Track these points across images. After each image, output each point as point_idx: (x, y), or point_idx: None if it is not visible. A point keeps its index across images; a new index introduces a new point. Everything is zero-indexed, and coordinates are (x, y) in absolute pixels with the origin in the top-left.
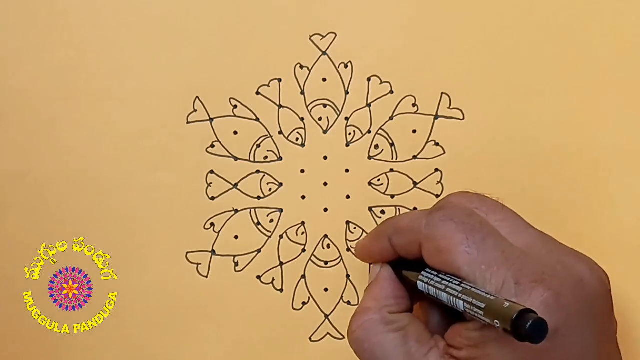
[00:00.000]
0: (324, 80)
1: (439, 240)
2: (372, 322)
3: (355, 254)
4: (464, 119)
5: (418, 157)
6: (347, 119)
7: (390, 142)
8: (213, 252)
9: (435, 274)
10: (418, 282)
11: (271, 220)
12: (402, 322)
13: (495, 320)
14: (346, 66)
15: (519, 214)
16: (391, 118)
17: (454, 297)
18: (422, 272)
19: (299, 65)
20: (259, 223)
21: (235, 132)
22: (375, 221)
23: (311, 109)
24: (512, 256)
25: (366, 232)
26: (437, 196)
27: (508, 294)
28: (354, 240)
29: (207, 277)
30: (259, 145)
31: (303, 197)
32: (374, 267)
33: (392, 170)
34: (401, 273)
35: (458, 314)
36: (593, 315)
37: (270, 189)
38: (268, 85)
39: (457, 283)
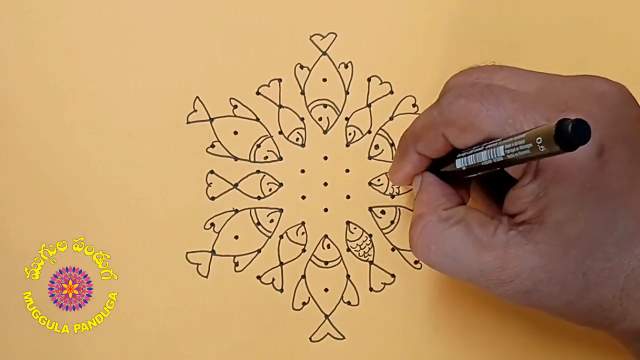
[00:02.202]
0: (324, 80)
1: (457, 120)
2: (430, 224)
3: (392, 182)
4: None
5: None
6: (347, 119)
7: (390, 142)
8: (213, 252)
9: (470, 149)
10: (456, 160)
11: (271, 220)
12: (459, 215)
13: (540, 145)
14: (346, 66)
15: (519, 68)
16: (391, 118)
17: (493, 148)
18: (458, 155)
19: (299, 65)
20: (259, 223)
21: (235, 132)
22: (376, 221)
23: (311, 109)
24: (531, 100)
25: (366, 232)
26: None
27: None
28: (354, 241)
29: (207, 277)
30: (259, 145)
31: (303, 197)
32: (415, 181)
33: None
34: (441, 174)
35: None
36: (626, 120)
37: (270, 189)
38: (268, 85)
39: (494, 142)
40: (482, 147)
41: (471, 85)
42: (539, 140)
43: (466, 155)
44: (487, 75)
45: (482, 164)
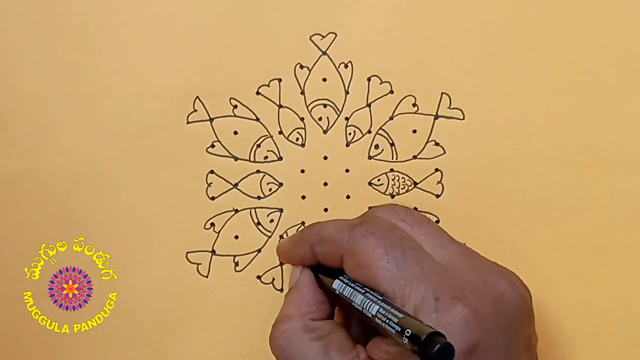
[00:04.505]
0: (324, 80)
1: (359, 255)
2: (294, 329)
3: (276, 253)
4: (464, 119)
5: (418, 157)
6: (347, 118)
7: (390, 142)
8: (213, 252)
9: (354, 282)
10: (336, 280)
11: (271, 220)
12: (324, 330)
13: (405, 337)
14: (346, 66)
15: (443, 229)
16: (391, 118)
17: (370, 301)
18: (341, 276)
19: (299, 65)
20: (259, 223)
21: (235, 132)
22: None
23: (311, 109)
24: (433, 272)
25: None
26: (437, 196)
27: (428, 309)
28: None
29: (207, 277)
30: (259, 145)
31: (303, 197)
32: (294, 271)
33: (392, 170)
34: (319, 277)
35: None
36: (513, 331)
37: (270, 189)
38: (268, 85)
39: (377, 296)
40: (364, 290)
41: (389, 229)
42: (407, 333)
43: (347, 284)
44: (411, 223)
45: (354, 303)
